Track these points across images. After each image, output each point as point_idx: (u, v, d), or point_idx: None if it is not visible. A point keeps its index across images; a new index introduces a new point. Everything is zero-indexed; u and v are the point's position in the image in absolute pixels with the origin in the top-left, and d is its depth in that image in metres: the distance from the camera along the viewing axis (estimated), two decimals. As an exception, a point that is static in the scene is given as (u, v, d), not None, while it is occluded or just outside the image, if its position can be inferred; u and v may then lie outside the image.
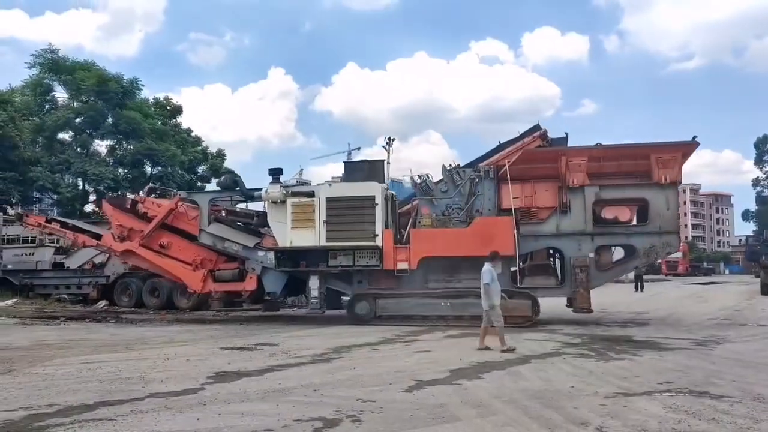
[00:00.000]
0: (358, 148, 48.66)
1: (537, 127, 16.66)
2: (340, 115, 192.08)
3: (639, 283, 32.60)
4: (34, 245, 24.21)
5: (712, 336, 13.00)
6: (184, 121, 43.86)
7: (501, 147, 17.06)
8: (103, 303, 21.75)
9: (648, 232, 15.04)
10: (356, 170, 16.31)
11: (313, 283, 15.68)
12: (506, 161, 15.53)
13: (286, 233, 15.54)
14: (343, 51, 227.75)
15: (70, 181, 35.98)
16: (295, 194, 15.65)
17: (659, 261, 76.04)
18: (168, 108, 42.36)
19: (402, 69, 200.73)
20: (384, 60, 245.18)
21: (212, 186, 39.62)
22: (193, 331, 14.64)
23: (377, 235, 15.02)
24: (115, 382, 8.10)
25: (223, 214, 18.32)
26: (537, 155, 15.74)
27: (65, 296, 23.05)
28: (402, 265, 15.09)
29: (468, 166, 16.62)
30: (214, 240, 16.83)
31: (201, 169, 42.09)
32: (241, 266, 16.79)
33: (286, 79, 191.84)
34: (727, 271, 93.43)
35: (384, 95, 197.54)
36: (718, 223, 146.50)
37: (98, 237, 18.99)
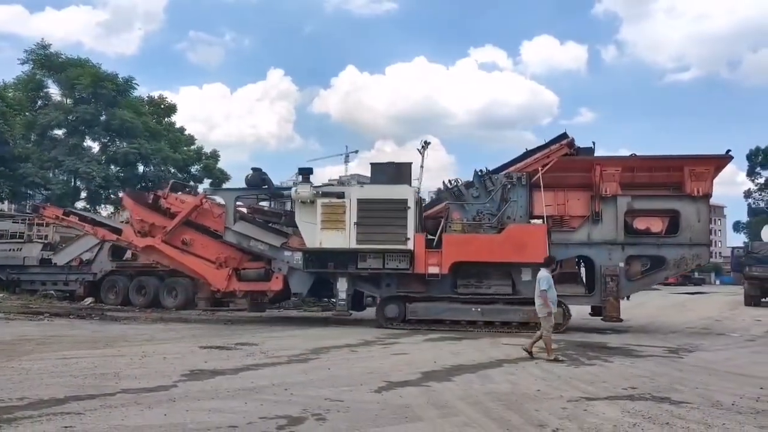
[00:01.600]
0: (356, 151, 49.07)
1: (564, 135, 16.39)
2: (338, 117, 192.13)
3: None
4: (22, 241, 24.28)
5: (686, 344, 13.20)
6: (178, 120, 44.00)
7: (528, 154, 16.77)
8: (89, 300, 21.83)
9: (679, 243, 15.25)
10: (383, 172, 15.95)
11: (341, 285, 15.53)
12: (539, 168, 15.55)
13: (316, 234, 15.35)
14: (343, 54, 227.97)
15: (61, 178, 35.99)
16: (325, 194, 15.51)
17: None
18: (162, 107, 42.47)
19: (401, 73, 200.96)
20: (383, 64, 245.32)
21: (208, 185, 39.85)
22: (176, 330, 14.73)
23: (409, 239, 14.97)
24: (89, 377, 8.21)
25: (247, 212, 18.03)
26: (571, 164, 15.85)
27: (52, 292, 23.09)
28: (433, 270, 15.02)
29: (494, 172, 16.47)
30: (239, 238, 16.56)
31: (194, 168, 42.13)
32: (267, 266, 16.60)
33: (285, 81, 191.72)
34: (717, 282, 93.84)
35: (383, 99, 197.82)
36: (711, 233, 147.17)
37: (118, 231, 18.78)
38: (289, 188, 16.72)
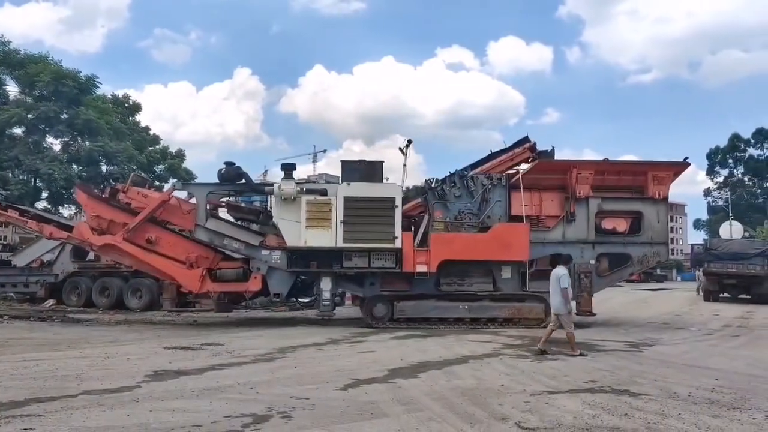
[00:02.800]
0: (324, 151, 48.80)
1: (526, 139, 17.24)
2: (305, 117, 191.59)
3: None
4: (-20, 242, 23.63)
5: (646, 339, 13.53)
6: (143, 119, 43.39)
7: (493, 155, 17.46)
8: (50, 302, 21.31)
9: (642, 242, 16.24)
10: (355, 170, 15.66)
11: (326, 284, 15.29)
12: (518, 170, 16.28)
13: (300, 232, 14.90)
14: (311, 53, 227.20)
15: (21, 178, 35.12)
16: (309, 191, 15.11)
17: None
18: (126, 105, 41.77)
19: (369, 73, 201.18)
20: (351, 63, 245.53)
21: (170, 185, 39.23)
22: (140, 331, 14.52)
23: (397, 237, 14.91)
24: (50, 379, 8.07)
25: (223, 210, 17.13)
26: (551, 166, 16.55)
27: (12, 295, 22.51)
28: (421, 268, 15.07)
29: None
30: (211, 236, 15.67)
31: (159, 168, 41.54)
32: (244, 265, 15.85)
33: (253, 80, 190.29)
34: (679, 278, 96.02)
35: (351, 99, 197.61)
36: (672, 231, 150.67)
37: (68, 228, 17.12)
38: (270, 184, 15.88)
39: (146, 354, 10.60)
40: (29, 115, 34.61)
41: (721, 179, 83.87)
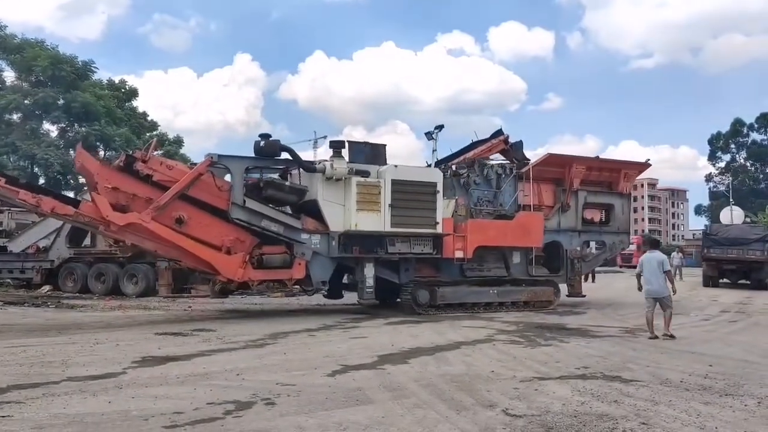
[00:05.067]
0: (324, 137, 47.97)
1: (501, 132, 18.28)
2: (305, 103, 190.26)
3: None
4: (-25, 228, 23.53)
5: (643, 324, 13.30)
6: (141, 104, 43.17)
7: (473, 146, 17.88)
8: (46, 288, 21.22)
9: (612, 231, 18.60)
10: (360, 152, 14.98)
11: (369, 270, 14.56)
12: (528, 161, 17.54)
13: (351, 215, 14.07)
14: (311, 39, 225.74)
15: (19, 164, 35.02)
16: (358, 173, 14.27)
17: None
18: (123, 91, 41.52)
19: (369, 59, 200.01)
20: (351, 49, 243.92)
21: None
22: (133, 317, 14.42)
23: (438, 223, 14.78)
24: (36, 365, 7.99)
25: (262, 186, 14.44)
26: (557, 159, 17.81)
27: (8, 281, 22.45)
28: (459, 254, 15.21)
29: (444, 161, 17.21)
30: (249, 217, 13.77)
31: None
32: (288, 251, 14.24)
33: (253, 66, 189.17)
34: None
35: (351, 85, 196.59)
36: (673, 217, 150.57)
37: (74, 203, 13.98)
38: (319, 162, 14.53)
39: (136, 340, 10.50)
40: (26, 101, 34.41)
41: (722, 164, 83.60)
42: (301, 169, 14.44)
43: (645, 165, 19.52)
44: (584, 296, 17.66)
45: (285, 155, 14.53)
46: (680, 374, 7.75)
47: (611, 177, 18.56)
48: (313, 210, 14.34)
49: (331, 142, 15.15)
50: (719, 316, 15.96)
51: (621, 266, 65.09)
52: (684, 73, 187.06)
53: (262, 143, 14.27)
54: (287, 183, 14.56)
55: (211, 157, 13.70)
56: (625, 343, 10.57)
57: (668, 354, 9.44)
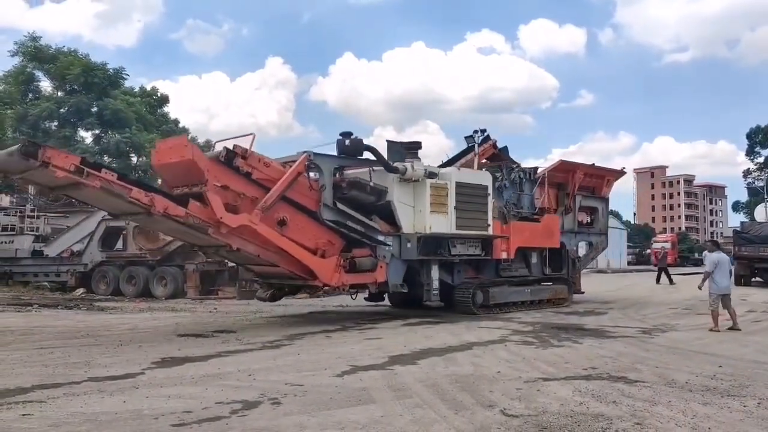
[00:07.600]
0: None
1: (488, 138, 18.53)
2: (335, 104, 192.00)
3: (667, 276, 31.35)
4: (14, 233, 24.46)
5: (662, 324, 13.33)
6: (175, 109, 44.25)
7: (466, 151, 17.86)
8: (80, 291, 22.03)
9: (596, 232, 20.41)
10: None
11: (435, 273, 14.47)
12: (541, 167, 18.63)
13: (425, 217, 14.08)
14: (341, 41, 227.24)
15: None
16: (431, 174, 14.33)
17: (648, 251, 78.21)
18: (154, 97, 42.48)
19: (398, 59, 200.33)
20: (381, 50, 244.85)
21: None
22: (160, 319, 14.89)
23: (489, 225, 15.21)
24: (60, 366, 8.38)
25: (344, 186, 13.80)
26: (566, 166, 19.37)
27: (45, 284, 23.31)
28: (503, 255, 15.95)
29: (447, 164, 17.03)
30: (338, 219, 13.38)
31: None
32: (372, 254, 13.81)
33: (284, 69, 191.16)
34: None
35: (380, 85, 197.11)
36: (711, 214, 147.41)
37: (183, 203, 11.54)
38: (401, 163, 14.11)
39: (158, 341, 10.88)
40: (61, 110, 35.50)
41: (761, 159, 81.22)
42: (371, 169, 14.06)
43: (621, 172, 21.92)
44: (583, 293, 19.47)
45: (367, 154, 14.08)
46: (687, 375, 7.75)
47: (596, 182, 20.29)
48: (383, 211, 14.16)
49: (407, 143, 15.13)
50: (744, 315, 15.63)
51: (655, 265, 64.26)
52: (720, 66, 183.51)
53: (347, 142, 13.82)
54: (370, 183, 13.86)
55: (308, 155, 13.05)
56: (638, 344, 10.53)
57: (679, 355, 9.42)
